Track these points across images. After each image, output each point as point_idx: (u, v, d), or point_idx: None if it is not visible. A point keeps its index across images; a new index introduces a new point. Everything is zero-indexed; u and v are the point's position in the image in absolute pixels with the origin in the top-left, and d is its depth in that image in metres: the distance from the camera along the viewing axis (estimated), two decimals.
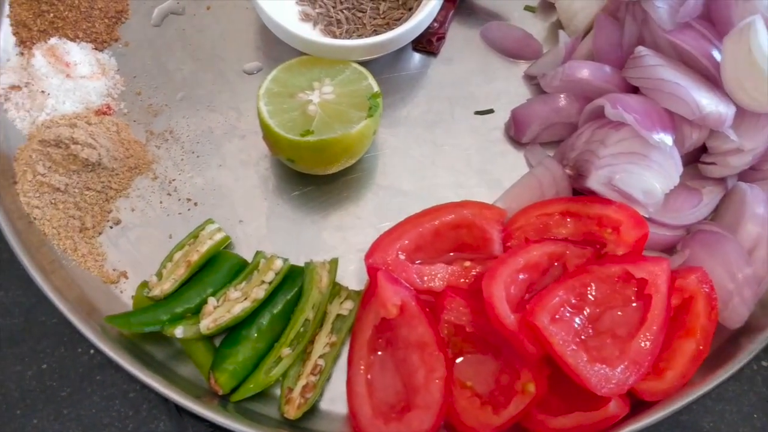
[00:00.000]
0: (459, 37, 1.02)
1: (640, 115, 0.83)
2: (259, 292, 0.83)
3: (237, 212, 0.92)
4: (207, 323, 0.81)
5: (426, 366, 0.77)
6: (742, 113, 0.84)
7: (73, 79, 0.95)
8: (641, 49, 0.86)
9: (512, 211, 0.87)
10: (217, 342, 0.84)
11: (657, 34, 0.88)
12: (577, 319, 0.77)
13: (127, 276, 0.88)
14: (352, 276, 0.89)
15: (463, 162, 0.94)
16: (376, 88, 0.88)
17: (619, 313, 0.78)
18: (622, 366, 0.74)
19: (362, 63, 0.91)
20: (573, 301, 0.78)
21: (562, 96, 0.92)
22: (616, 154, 0.83)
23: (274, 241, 0.90)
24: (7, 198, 0.88)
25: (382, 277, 0.80)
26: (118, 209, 0.91)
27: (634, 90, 0.89)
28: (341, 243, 0.90)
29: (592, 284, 0.78)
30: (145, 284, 0.86)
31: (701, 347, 0.80)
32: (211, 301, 0.82)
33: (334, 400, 0.83)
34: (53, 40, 0.97)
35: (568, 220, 0.84)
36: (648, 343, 0.76)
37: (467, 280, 0.83)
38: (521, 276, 0.80)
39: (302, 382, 0.81)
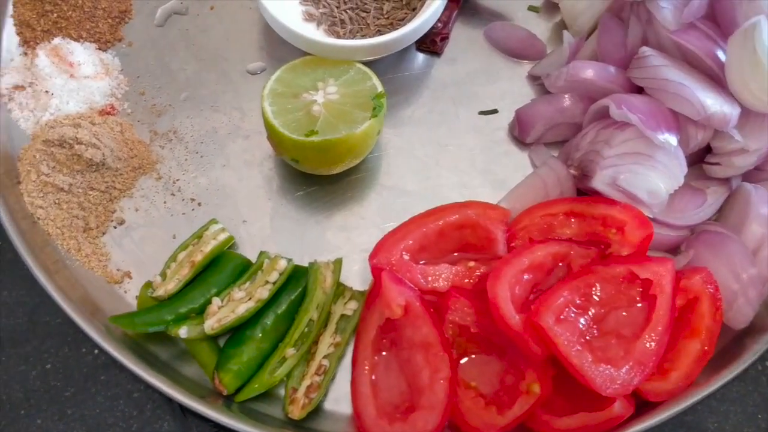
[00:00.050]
0: (463, 37, 1.02)
1: (644, 116, 0.82)
2: (264, 293, 0.83)
3: (241, 212, 0.92)
4: (211, 323, 0.81)
5: (430, 366, 0.77)
6: (746, 113, 0.84)
7: (76, 79, 0.95)
8: (646, 50, 0.86)
9: (516, 211, 0.87)
10: (222, 342, 0.84)
11: (661, 35, 0.88)
12: (581, 320, 0.77)
13: (131, 276, 0.88)
14: (356, 276, 0.89)
15: (467, 162, 0.94)
16: (380, 88, 0.87)
17: (624, 313, 0.78)
18: (626, 366, 0.74)
19: (366, 63, 0.91)
20: (578, 301, 0.78)
21: (566, 96, 0.92)
22: (621, 154, 0.83)
23: (278, 241, 0.90)
24: (11, 198, 0.87)
25: (387, 277, 0.80)
26: (122, 209, 0.91)
27: (639, 90, 0.89)
28: (345, 243, 0.90)
29: (597, 285, 0.78)
30: (149, 284, 0.86)
31: (706, 348, 0.79)
32: (216, 301, 0.82)
33: (339, 401, 0.83)
34: (57, 40, 0.97)
35: (573, 220, 0.84)
36: (653, 343, 0.75)
37: (471, 281, 0.83)
38: (526, 276, 0.79)
39: (306, 382, 0.81)
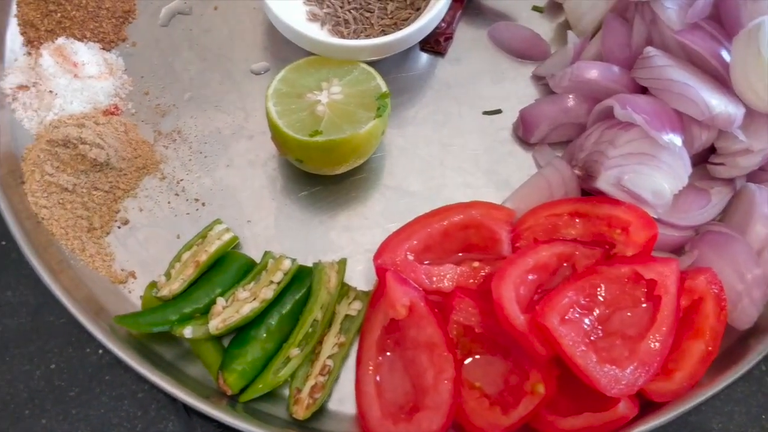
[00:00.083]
0: (466, 37, 1.02)
1: (649, 116, 0.82)
2: (268, 293, 0.83)
3: (245, 212, 0.92)
4: (216, 323, 0.81)
5: (435, 367, 0.77)
6: (751, 114, 0.84)
7: (80, 79, 0.95)
8: (650, 50, 0.86)
9: (521, 211, 0.87)
10: (226, 342, 0.84)
11: (666, 35, 0.88)
12: (586, 320, 0.77)
13: (135, 276, 0.88)
14: (360, 276, 0.89)
15: (470, 162, 0.94)
16: (384, 88, 0.87)
17: (629, 313, 0.78)
18: (631, 367, 0.74)
19: (370, 63, 0.91)
20: (582, 301, 0.78)
21: (570, 96, 0.92)
22: (626, 154, 0.83)
23: (281, 242, 0.90)
24: (14, 198, 0.87)
25: (391, 277, 0.80)
26: (126, 209, 0.91)
27: (643, 90, 0.89)
28: (349, 243, 0.90)
29: (602, 285, 0.78)
30: (153, 284, 0.86)
31: (710, 348, 0.79)
32: (220, 301, 0.82)
33: (343, 401, 0.83)
34: (61, 40, 0.96)
35: (577, 220, 0.84)
36: (657, 343, 0.75)
37: (476, 281, 0.83)
38: (530, 277, 0.79)
39: (311, 382, 0.81)
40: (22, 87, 0.95)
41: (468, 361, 0.80)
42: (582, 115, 0.91)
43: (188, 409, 0.83)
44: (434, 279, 0.83)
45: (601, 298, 0.78)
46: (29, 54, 0.97)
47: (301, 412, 0.80)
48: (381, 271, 0.82)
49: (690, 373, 0.78)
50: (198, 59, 0.99)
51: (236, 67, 0.99)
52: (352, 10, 0.98)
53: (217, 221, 0.89)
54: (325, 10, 0.98)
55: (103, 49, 0.99)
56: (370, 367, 0.80)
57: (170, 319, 0.82)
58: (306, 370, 0.82)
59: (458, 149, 0.95)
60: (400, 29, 0.93)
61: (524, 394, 0.76)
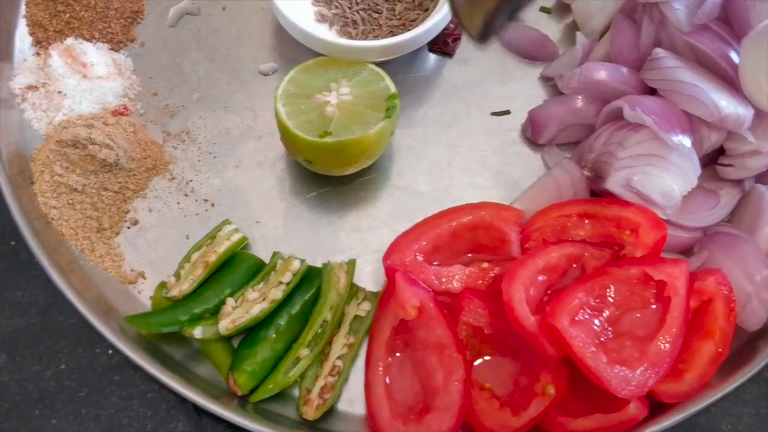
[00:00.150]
0: None
1: (658, 117, 0.83)
2: (277, 293, 0.83)
3: (253, 213, 0.92)
4: (226, 324, 0.81)
5: (444, 367, 0.77)
6: (760, 115, 0.84)
7: (89, 79, 0.95)
8: (659, 51, 0.86)
9: (529, 212, 0.87)
10: (235, 343, 0.84)
11: (674, 36, 0.88)
12: (596, 321, 0.77)
13: (145, 276, 0.88)
14: (369, 277, 0.89)
15: (479, 163, 0.94)
16: (393, 89, 0.88)
17: (638, 315, 0.78)
18: (641, 368, 0.74)
19: (378, 64, 0.91)
20: (592, 303, 0.78)
21: (579, 97, 0.92)
22: (635, 155, 0.83)
23: (290, 242, 0.90)
24: (24, 198, 0.88)
25: (401, 278, 0.80)
26: (135, 210, 0.91)
27: (651, 91, 0.89)
28: (358, 244, 0.91)
29: (611, 286, 0.78)
30: (163, 285, 0.86)
31: (720, 349, 0.80)
32: (230, 301, 0.82)
33: (352, 401, 0.83)
34: (70, 41, 0.97)
35: (587, 221, 0.84)
36: (667, 345, 0.76)
37: (485, 282, 0.83)
38: (540, 278, 0.80)
39: (320, 383, 0.82)
40: (31, 87, 0.95)
41: (478, 362, 0.80)
42: (591, 116, 0.91)
43: (198, 410, 0.83)
44: (443, 280, 0.83)
45: (610, 299, 0.78)
46: (38, 54, 0.98)
47: (311, 413, 0.80)
48: (390, 272, 0.82)
49: (700, 374, 0.79)
50: (206, 60, 0.99)
51: (244, 67, 0.99)
52: (360, 11, 0.98)
53: (226, 222, 0.89)
54: (333, 11, 0.98)
55: (112, 49, 0.99)
56: (380, 368, 0.81)
57: (180, 320, 0.82)
58: (315, 370, 0.82)
59: (466, 150, 0.95)
60: (409, 30, 0.93)
61: (534, 395, 0.76)
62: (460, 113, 0.97)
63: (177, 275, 0.86)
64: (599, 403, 0.76)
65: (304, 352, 0.81)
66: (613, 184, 0.84)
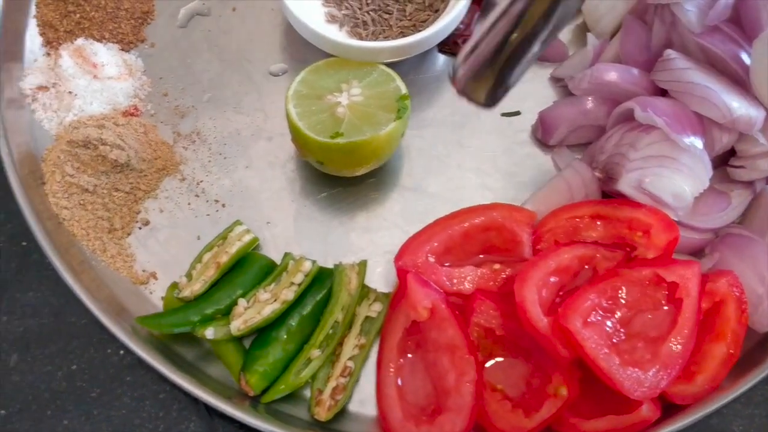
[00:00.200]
0: None
1: (670, 119, 0.82)
2: (289, 294, 0.83)
3: (264, 214, 0.92)
4: (237, 324, 0.81)
5: (456, 369, 0.77)
6: None
7: (100, 80, 0.95)
8: (671, 53, 0.86)
9: (541, 213, 0.87)
10: (246, 343, 0.84)
11: (686, 37, 0.88)
12: (608, 323, 0.77)
13: (156, 277, 0.88)
14: (380, 278, 0.89)
15: (489, 164, 0.94)
16: (404, 90, 0.88)
17: (650, 316, 0.78)
18: (653, 369, 0.74)
19: (388, 64, 0.91)
20: (604, 304, 0.78)
21: (589, 98, 0.92)
22: (647, 157, 0.83)
23: (301, 243, 0.91)
24: (36, 199, 0.88)
25: (413, 279, 0.80)
26: (146, 210, 0.91)
27: (662, 93, 0.89)
28: (368, 245, 0.91)
29: (623, 287, 0.78)
30: (175, 285, 0.86)
31: (732, 351, 0.80)
32: (241, 302, 0.82)
33: (364, 402, 0.83)
34: (80, 41, 0.97)
35: (598, 223, 0.84)
36: (679, 346, 0.76)
37: (496, 283, 0.83)
38: (552, 279, 0.80)
39: (332, 383, 0.82)
40: (42, 88, 0.95)
41: (490, 363, 0.80)
42: (601, 117, 0.91)
43: (210, 410, 0.83)
44: (455, 281, 0.83)
45: (622, 301, 0.78)
46: (48, 55, 0.98)
47: (323, 414, 0.80)
48: (402, 273, 0.82)
49: (712, 375, 0.79)
50: (217, 60, 0.99)
51: (255, 68, 0.99)
52: (370, 12, 0.98)
53: (237, 222, 0.89)
54: (343, 12, 0.98)
55: (122, 50, 0.99)
56: (392, 369, 0.81)
57: (192, 320, 0.82)
58: (327, 371, 0.82)
59: (477, 151, 0.95)
60: (419, 31, 0.93)
61: (547, 396, 0.76)
62: (470, 114, 0.97)
63: (188, 276, 0.86)
64: (612, 404, 0.76)
65: (315, 352, 0.82)
66: (625, 185, 0.84)
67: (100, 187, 0.89)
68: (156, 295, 0.87)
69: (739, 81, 0.85)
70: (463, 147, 0.96)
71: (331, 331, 0.82)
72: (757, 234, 0.85)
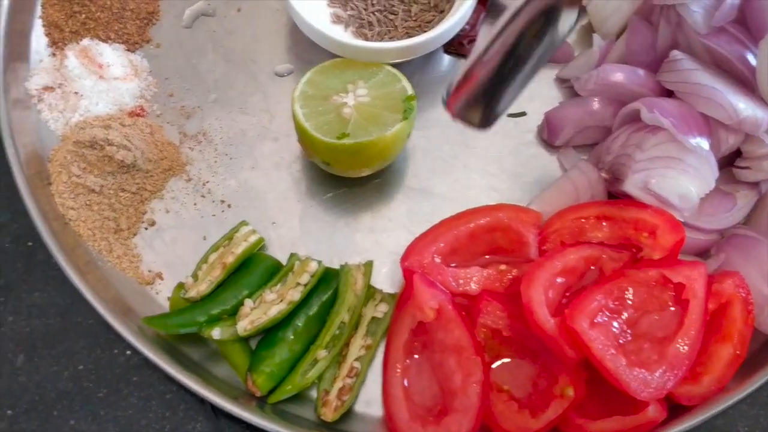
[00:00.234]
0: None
1: (676, 120, 0.83)
2: (295, 294, 0.83)
3: (270, 214, 0.92)
4: (244, 325, 0.81)
5: (463, 370, 0.78)
6: None
7: (106, 80, 0.95)
8: (677, 54, 0.86)
9: (547, 214, 0.87)
10: (253, 344, 0.84)
11: (691, 38, 0.88)
12: (615, 324, 0.77)
13: (163, 277, 0.88)
14: (385, 278, 0.89)
15: (495, 165, 0.95)
16: (410, 90, 0.88)
17: (656, 317, 0.78)
18: (660, 370, 0.74)
19: (394, 65, 0.91)
20: (611, 305, 0.78)
21: (595, 99, 0.92)
22: (653, 158, 0.83)
23: (306, 243, 0.91)
24: (42, 199, 0.88)
25: (419, 280, 0.80)
26: (152, 211, 0.91)
27: (668, 94, 0.89)
28: (374, 245, 0.91)
29: (630, 288, 0.79)
30: (181, 286, 0.86)
31: (738, 352, 0.80)
32: (248, 302, 0.83)
33: (370, 403, 0.83)
34: (86, 41, 0.97)
35: (604, 223, 0.84)
36: (686, 347, 0.76)
37: (503, 284, 0.83)
38: (559, 280, 0.80)
39: (338, 384, 0.82)
40: (48, 88, 0.95)
41: (496, 364, 0.80)
42: (607, 118, 0.91)
43: (216, 410, 0.83)
44: (461, 282, 0.83)
45: (629, 302, 0.78)
46: (54, 55, 0.98)
47: (329, 414, 0.80)
48: (408, 274, 0.82)
49: (718, 376, 0.79)
50: (222, 61, 1.00)
51: (260, 68, 0.99)
52: (375, 12, 0.98)
53: (243, 223, 0.89)
54: (349, 12, 0.98)
55: (128, 50, 0.99)
56: (398, 370, 0.81)
57: (198, 321, 0.82)
58: (333, 372, 0.83)
59: (482, 151, 0.95)
60: (424, 31, 0.93)
61: (553, 397, 0.76)
62: None
63: (195, 276, 0.86)
64: (618, 405, 0.76)
65: (322, 353, 0.82)
66: (631, 186, 0.84)
67: (107, 188, 0.89)
68: (162, 296, 0.87)
69: (745, 82, 0.85)
70: (469, 148, 0.96)
71: (337, 332, 0.83)
72: (762, 235, 0.85)
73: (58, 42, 0.98)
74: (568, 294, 0.81)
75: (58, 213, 0.88)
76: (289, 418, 0.80)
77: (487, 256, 0.86)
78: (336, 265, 0.88)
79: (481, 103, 0.72)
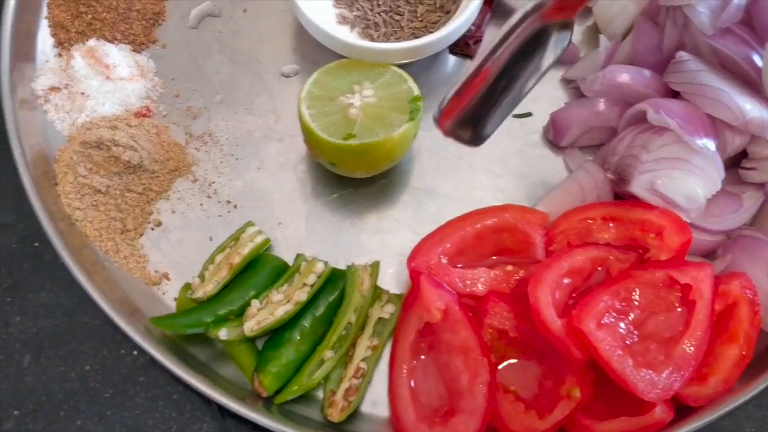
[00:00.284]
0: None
1: (682, 121, 0.83)
2: (302, 295, 0.83)
3: (276, 215, 0.92)
4: (251, 325, 0.81)
5: (469, 370, 0.78)
6: None
7: (112, 81, 0.95)
8: (683, 55, 0.86)
9: (553, 215, 0.87)
10: (259, 344, 0.84)
11: (698, 39, 0.88)
12: (621, 324, 0.77)
13: (169, 278, 0.88)
14: (392, 279, 0.89)
15: (500, 165, 0.95)
16: (416, 91, 0.88)
17: (663, 318, 0.78)
18: (667, 371, 0.74)
19: (400, 66, 0.91)
20: (618, 306, 0.78)
21: (601, 100, 0.92)
22: (659, 159, 0.83)
23: (312, 244, 0.91)
24: (48, 199, 0.88)
25: (426, 281, 0.80)
26: (158, 211, 0.91)
27: (674, 95, 0.89)
28: (379, 246, 0.91)
29: (636, 289, 0.78)
30: (188, 286, 0.86)
31: (744, 353, 0.80)
32: (254, 303, 0.83)
33: (376, 403, 0.83)
34: (92, 42, 0.97)
35: (611, 224, 0.84)
36: (692, 348, 0.76)
37: (509, 285, 0.83)
38: (565, 281, 0.80)
39: (345, 385, 0.82)
40: (54, 89, 0.95)
41: (503, 365, 0.80)
42: (613, 118, 0.91)
43: (223, 411, 0.83)
44: (468, 282, 0.83)
45: (635, 303, 0.78)
46: (60, 55, 0.98)
47: (336, 415, 0.80)
48: (415, 275, 0.82)
49: (724, 377, 0.79)
50: (228, 61, 1.00)
51: (266, 69, 0.99)
52: (381, 13, 0.98)
53: (249, 223, 0.89)
54: (354, 13, 0.98)
55: (134, 51, 0.99)
56: (405, 371, 0.81)
57: (205, 321, 0.82)
58: (340, 372, 0.83)
59: (488, 152, 0.95)
60: (430, 32, 0.93)
61: (560, 398, 0.76)
62: None
63: (201, 277, 0.86)
64: (625, 406, 0.76)
65: (328, 354, 0.82)
66: (637, 187, 0.84)
67: (113, 188, 0.89)
68: (168, 296, 0.87)
69: (752, 83, 0.85)
70: (475, 148, 0.95)
71: (344, 332, 0.83)
72: None
73: (64, 42, 0.98)
74: (574, 295, 0.81)
75: (65, 213, 0.88)
76: (295, 418, 0.80)
77: (493, 257, 0.86)
78: (342, 266, 0.88)
79: (473, 122, 0.74)
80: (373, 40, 0.96)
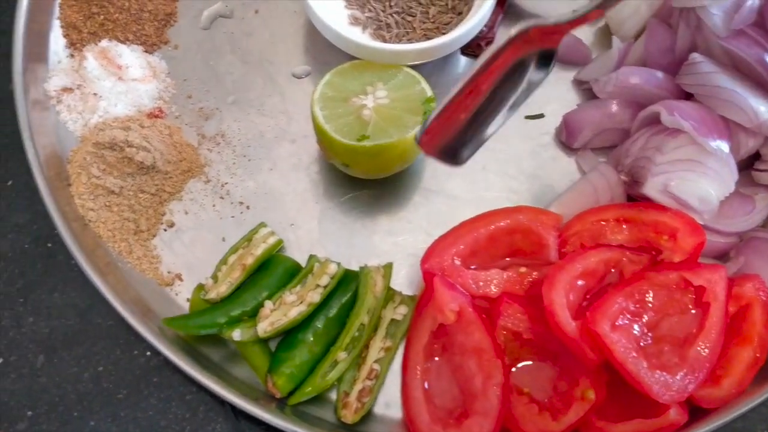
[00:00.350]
0: None
1: (696, 122, 0.83)
2: (315, 296, 0.83)
3: (288, 216, 0.92)
4: (264, 326, 0.81)
5: (483, 372, 0.78)
6: None
7: (125, 81, 0.95)
8: (696, 56, 0.86)
9: (566, 216, 0.87)
10: (272, 345, 0.84)
11: (711, 41, 0.88)
12: (635, 326, 0.77)
13: (182, 278, 0.88)
14: (404, 280, 0.89)
15: (513, 166, 0.95)
16: (429, 92, 0.88)
17: (677, 320, 0.78)
18: (681, 373, 0.74)
19: (412, 66, 0.91)
20: (632, 308, 0.78)
21: (614, 102, 0.92)
22: (673, 161, 0.83)
23: (325, 245, 0.91)
24: (61, 200, 0.88)
25: (439, 282, 0.80)
26: (171, 212, 0.91)
27: (687, 96, 0.89)
28: (392, 247, 0.91)
29: (650, 291, 0.78)
30: (201, 287, 0.86)
31: (758, 355, 0.80)
32: (268, 304, 0.83)
33: (390, 405, 0.83)
34: (104, 43, 0.97)
35: (624, 226, 0.84)
36: (706, 350, 0.76)
37: (523, 286, 0.83)
38: (579, 282, 0.80)
39: (358, 386, 0.82)
40: (67, 89, 0.96)
41: (517, 366, 0.80)
42: (626, 120, 0.91)
43: (236, 412, 0.83)
44: (481, 284, 0.83)
45: (649, 305, 0.78)
46: (72, 56, 0.98)
47: (349, 416, 0.80)
48: (428, 276, 0.82)
49: (738, 379, 0.79)
50: (240, 62, 1.00)
51: (278, 70, 0.99)
52: (393, 14, 0.98)
53: (262, 224, 0.89)
54: (366, 14, 0.98)
55: (146, 51, 0.99)
56: (418, 372, 0.81)
57: (218, 322, 0.82)
58: (353, 374, 0.83)
59: (500, 153, 0.95)
60: (442, 33, 0.93)
61: (574, 399, 0.76)
62: None
63: (215, 277, 0.86)
64: (639, 408, 0.76)
65: (341, 355, 0.82)
66: (651, 189, 0.84)
67: (126, 189, 0.89)
68: (182, 297, 0.87)
69: (765, 85, 0.85)
70: (487, 149, 0.93)
71: (357, 334, 0.83)
72: None
73: (76, 43, 0.98)
74: (588, 297, 0.81)
75: (78, 214, 0.88)
76: (309, 419, 0.81)
77: (507, 259, 0.86)
78: (354, 267, 0.88)
79: (454, 144, 0.77)
80: (385, 41, 0.96)
